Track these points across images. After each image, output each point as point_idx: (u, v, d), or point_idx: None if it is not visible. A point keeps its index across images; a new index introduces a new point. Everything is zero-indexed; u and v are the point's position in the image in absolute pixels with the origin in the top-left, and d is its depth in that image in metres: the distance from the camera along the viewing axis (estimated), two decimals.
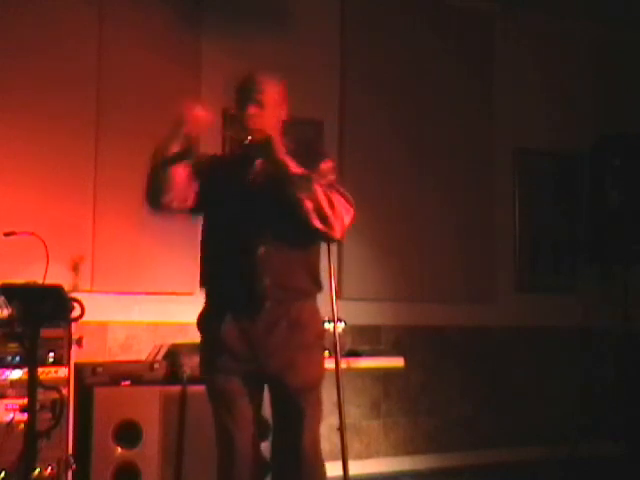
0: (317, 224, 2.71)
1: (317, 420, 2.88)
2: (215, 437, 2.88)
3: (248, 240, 2.76)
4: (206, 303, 2.90)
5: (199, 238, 2.93)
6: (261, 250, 2.75)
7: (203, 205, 2.87)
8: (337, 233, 2.75)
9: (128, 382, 3.94)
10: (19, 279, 3.72)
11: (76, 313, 3.70)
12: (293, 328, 2.78)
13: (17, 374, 3.62)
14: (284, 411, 2.83)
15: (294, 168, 2.71)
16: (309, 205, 2.68)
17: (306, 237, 2.81)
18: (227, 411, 2.81)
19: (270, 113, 2.84)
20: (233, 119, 2.93)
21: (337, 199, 2.74)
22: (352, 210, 2.79)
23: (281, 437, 2.86)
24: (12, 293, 3.49)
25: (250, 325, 2.75)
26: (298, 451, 2.81)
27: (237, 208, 2.80)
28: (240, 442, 2.80)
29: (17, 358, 3.63)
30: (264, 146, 2.74)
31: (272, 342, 2.75)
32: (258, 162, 2.86)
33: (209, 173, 2.87)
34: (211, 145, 4.89)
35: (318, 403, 2.88)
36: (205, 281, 2.90)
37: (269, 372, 2.78)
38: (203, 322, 2.90)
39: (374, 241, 5.35)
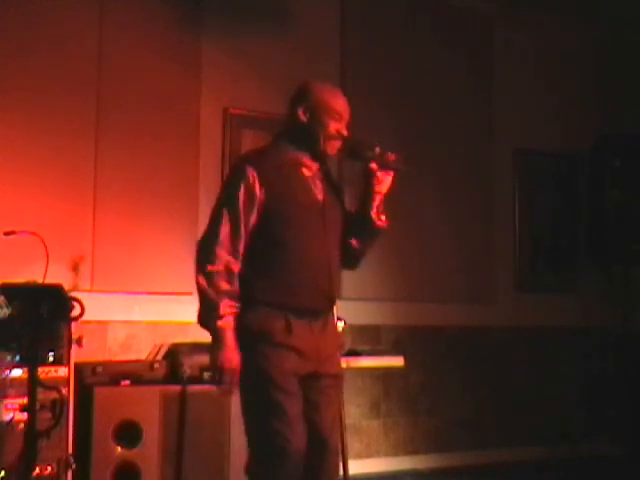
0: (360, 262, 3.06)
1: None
2: (261, 440, 2.76)
3: (321, 252, 2.81)
4: (265, 308, 2.77)
5: (213, 240, 2.77)
6: (331, 266, 2.84)
7: (263, 217, 2.79)
8: None
9: (128, 382, 3.94)
10: (19, 279, 3.72)
11: (76, 313, 3.70)
12: (335, 331, 3.04)
13: (17, 373, 3.61)
14: (326, 408, 2.87)
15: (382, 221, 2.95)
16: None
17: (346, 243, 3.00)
18: (297, 410, 2.73)
19: None
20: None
21: None
22: None
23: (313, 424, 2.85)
24: (12, 293, 3.49)
25: (309, 329, 2.79)
26: (332, 444, 2.88)
27: (312, 220, 2.83)
28: (300, 443, 2.75)
29: (17, 358, 3.62)
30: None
31: (327, 345, 2.86)
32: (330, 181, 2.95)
33: (275, 180, 2.80)
34: (211, 144, 4.92)
35: None
36: (261, 289, 2.79)
37: (321, 376, 2.84)
38: (267, 325, 2.76)
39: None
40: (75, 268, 4.41)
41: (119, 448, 3.82)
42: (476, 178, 5.80)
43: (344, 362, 4.32)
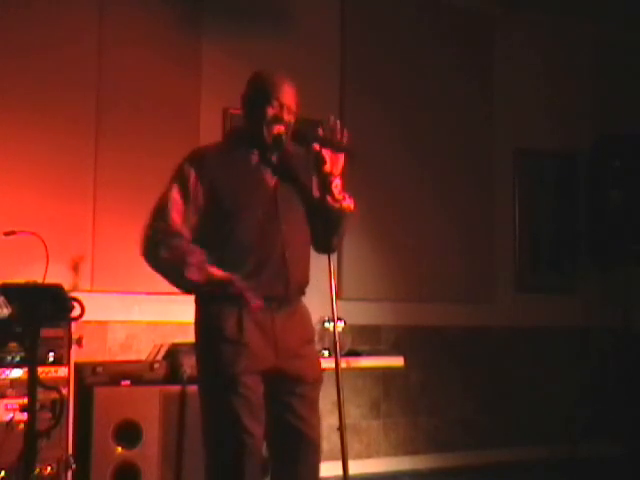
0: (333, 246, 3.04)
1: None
2: (218, 436, 2.79)
3: (275, 242, 2.80)
4: (218, 303, 2.80)
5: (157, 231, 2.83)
6: (289, 251, 2.81)
7: (216, 209, 2.82)
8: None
9: (128, 382, 3.94)
10: (19, 279, 3.71)
11: (76, 313, 3.70)
12: (303, 324, 2.91)
13: (17, 373, 3.62)
14: (298, 405, 2.84)
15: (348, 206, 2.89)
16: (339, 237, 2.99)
17: (310, 236, 2.97)
18: (249, 411, 2.73)
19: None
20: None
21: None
22: None
23: (295, 427, 2.84)
24: (12, 293, 3.49)
25: (270, 324, 2.77)
26: (315, 441, 2.86)
27: (264, 211, 2.81)
28: (257, 442, 2.76)
29: (17, 358, 3.62)
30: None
31: (291, 340, 2.81)
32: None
33: (219, 175, 2.82)
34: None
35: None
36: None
37: (287, 369, 2.81)
38: (219, 322, 2.78)
39: (374, 241, 5.35)
40: (75, 268, 4.42)
41: (119, 448, 3.82)
42: (476, 178, 5.80)
43: (344, 362, 4.34)
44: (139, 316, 4.62)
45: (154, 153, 4.72)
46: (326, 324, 4.52)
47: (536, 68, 6.06)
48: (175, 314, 4.61)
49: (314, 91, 5.13)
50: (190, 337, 4.51)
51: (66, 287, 3.88)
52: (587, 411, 5.64)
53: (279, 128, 2.84)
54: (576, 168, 6.11)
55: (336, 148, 2.88)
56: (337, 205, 2.86)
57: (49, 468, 3.65)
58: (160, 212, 2.83)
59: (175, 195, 2.83)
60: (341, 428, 4.04)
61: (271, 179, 2.87)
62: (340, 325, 4.41)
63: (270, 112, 2.83)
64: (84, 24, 4.63)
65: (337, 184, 2.87)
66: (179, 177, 2.85)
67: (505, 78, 5.96)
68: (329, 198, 2.86)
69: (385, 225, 5.36)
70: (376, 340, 5.33)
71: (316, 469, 2.92)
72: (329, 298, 4.03)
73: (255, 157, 2.88)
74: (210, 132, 4.92)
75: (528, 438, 5.67)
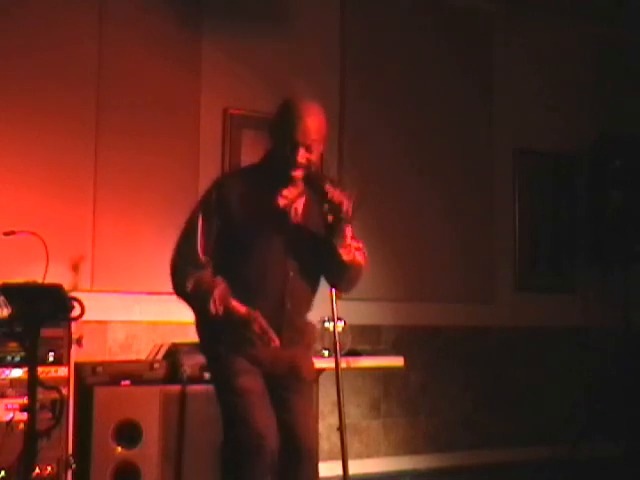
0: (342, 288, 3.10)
1: None
2: (232, 436, 2.85)
3: (278, 265, 2.84)
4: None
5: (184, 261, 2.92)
6: (290, 275, 2.85)
7: (230, 232, 2.86)
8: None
9: (128, 382, 3.94)
10: (19, 279, 3.72)
11: (76, 312, 3.70)
12: (303, 349, 3.00)
13: (17, 373, 3.62)
14: (294, 403, 2.91)
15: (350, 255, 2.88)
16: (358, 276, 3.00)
17: (322, 272, 3.02)
18: (258, 412, 2.79)
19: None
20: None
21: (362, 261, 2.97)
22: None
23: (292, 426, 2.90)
24: (12, 293, 3.50)
25: (265, 348, 2.81)
26: (309, 439, 2.94)
27: (271, 235, 2.84)
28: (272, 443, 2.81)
29: (17, 357, 3.63)
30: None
31: (285, 356, 2.89)
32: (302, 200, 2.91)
33: (237, 205, 2.85)
34: (211, 144, 4.92)
35: None
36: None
37: (280, 372, 2.89)
38: (220, 338, 2.88)
39: (374, 241, 5.34)
40: (75, 268, 4.41)
41: (119, 448, 3.82)
42: (476, 178, 5.80)
43: (344, 362, 4.34)
44: (139, 316, 4.62)
45: (154, 153, 4.73)
46: (326, 324, 4.51)
47: (536, 68, 6.06)
48: (175, 314, 4.57)
49: (314, 91, 5.14)
50: (190, 337, 4.55)
51: (66, 287, 3.89)
52: (587, 411, 5.64)
53: (300, 172, 2.83)
54: (576, 168, 6.11)
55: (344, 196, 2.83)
56: (348, 258, 2.87)
57: (49, 468, 3.65)
58: (187, 241, 2.89)
59: (200, 222, 2.87)
60: (341, 428, 4.05)
61: (296, 216, 2.89)
62: (340, 325, 4.40)
63: (293, 156, 2.80)
64: (84, 24, 4.63)
65: (349, 233, 2.86)
66: (204, 203, 2.89)
67: (505, 78, 5.96)
68: (340, 246, 2.86)
69: (385, 225, 5.36)
70: (376, 340, 5.33)
71: (313, 470, 2.96)
72: (329, 298, 4.03)
73: (282, 191, 2.88)
74: (210, 132, 4.93)
75: (528, 438, 5.66)
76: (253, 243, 2.82)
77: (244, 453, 2.77)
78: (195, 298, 2.84)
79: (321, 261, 2.93)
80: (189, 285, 2.83)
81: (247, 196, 2.85)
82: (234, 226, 2.82)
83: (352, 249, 2.87)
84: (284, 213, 2.88)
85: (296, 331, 2.94)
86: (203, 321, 2.92)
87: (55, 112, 4.49)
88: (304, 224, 2.90)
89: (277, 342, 2.74)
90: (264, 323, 2.74)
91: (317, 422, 3.06)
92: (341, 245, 2.85)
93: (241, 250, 2.83)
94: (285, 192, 2.87)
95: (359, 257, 2.92)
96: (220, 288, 2.79)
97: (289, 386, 2.92)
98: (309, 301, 3.01)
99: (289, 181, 2.86)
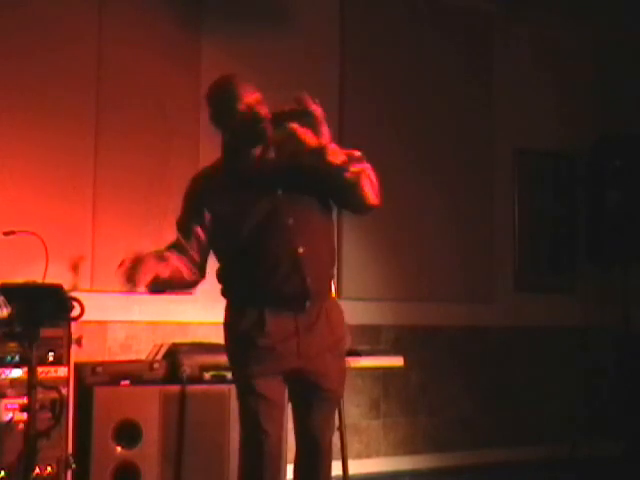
0: (372, 200, 2.79)
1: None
2: (243, 437, 2.86)
3: (283, 240, 2.78)
4: (240, 306, 2.84)
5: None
6: (300, 250, 2.77)
7: (222, 230, 2.84)
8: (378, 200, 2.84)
9: (128, 382, 3.94)
10: (19, 279, 3.72)
11: (76, 312, 3.71)
12: (329, 327, 2.85)
13: (17, 373, 3.61)
14: (314, 408, 2.88)
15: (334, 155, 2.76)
16: (364, 184, 2.77)
17: (331, 228, 2.96)
18: (266, 413, 2.78)
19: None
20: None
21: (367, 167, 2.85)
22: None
23: (306, 430, 2.90)
24: (12, 293, 3.50)
25: (292, 324, 2.78)
26: (323, 445, 2.91)
27: (265, 213, 2.80)
28: (274, 442, 2.81)
29: (17, 357, 3.62)
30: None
31: (313, 342, 2.80)
32: (270, 162, 2.87)
33: (214, 199, 2.83)
34: (211, 144, 4.91)
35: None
36: (240, 284, 2.85)
37: (307, 374, 2.82)
38: (239, 324, 2.82)
39: (374, 241, 5.35)
40: (75, 268, 4.41)
41: (119, 448, 3.82)
42: (476, 178, 5.80)
43: None
44: (139, 316, 4.62)
45: (154, 153, 4.73)
46: None
47: (536, 68, 6.06)
48: (175, 314, 4.62)
49: (313, 91, 5.14)
50: (190, 337, 4.56)
51: (66, 287, 3.88)
52: (587, 411, 5.64)
53: (257, 122, 2.81)
54: (576, 168, 6.11)
55: (303, 113, 2.80)
56: (339, 159, 2.75)
57: (49, 468, 3.65)
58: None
59: (182, 217, 2.89)
60: (341, 428, 4.05)
61: (270, 178, 2.83)
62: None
63: (242, 107, 2.83)
64: (84, 24, 4.63)
65: (333, 149, 2.77)
66: (185, 199, 2.90)
67: (505, 78, 5.96)
68: (325, 155, 2.75)
69: (385, 225, 5.36)
70: (376, 340, 5.33)
71: (325, 472, 2.95)
72: None
73: (249, 164, 2.86)
74: (210, 132, 4.90)
75: (528, 438, 5.67)
76: (252, 235, 2.78)
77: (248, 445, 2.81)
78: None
79: (322, 198, 2.85)
80: None
81: (224, 182, 2.84)
82: (227, 220, 2.79)
83: (338, 151, 2.76)
84: (267, 180, 2.81)
85: (320, 285, 2.83)
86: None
87: (55, 112, 4.49)
88: (285, 178, 2.83)
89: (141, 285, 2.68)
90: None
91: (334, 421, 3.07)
92: (325, 152, 2.73)
93: (244, 248, 2.80)
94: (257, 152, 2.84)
95: (353, 160, 2.78)
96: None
97: (311, 394, 2.88)
98: (326, 245, 2.90)
99: (263, 141, 2.82)
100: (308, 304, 2.79)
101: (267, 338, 2.75)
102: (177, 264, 2.77)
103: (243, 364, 2.81)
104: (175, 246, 2.84)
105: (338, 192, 2.82)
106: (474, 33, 5.89)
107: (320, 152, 2.73)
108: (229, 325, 2.87)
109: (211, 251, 2.89)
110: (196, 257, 2.83)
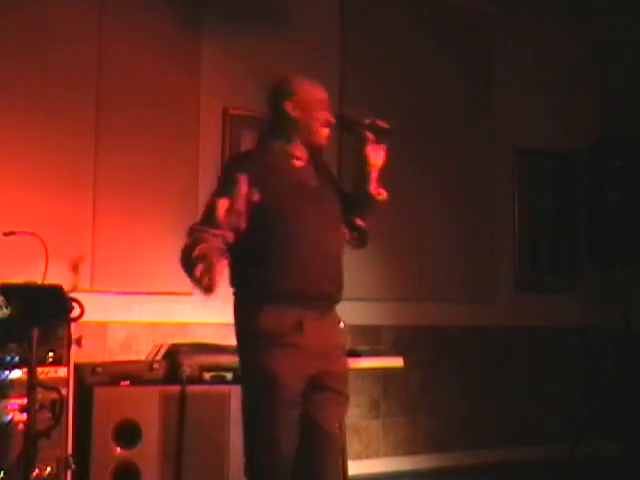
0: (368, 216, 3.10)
1: None
2: (255, 443, 2.79)
3: (322, 237, 2.83)
4: (274, 305, 2.76)
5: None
6: (334, 246, 2.88)
7: (263, 215, 2.79)
8: None
9: (128, 382, 3.94)
10: (19, 279, 3.72)
11: (76, 313, 3.70)
12: (339, 329, 2.96)
13: (17, 374, 3.61)
14: (328, 408, 2.89)
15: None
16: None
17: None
18: (288, 423, 2.74)
19: None
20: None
21: None
22: None
23: (315, 421, 2.87)
24: (12, 293, 3.49)
25: (321, 323, 2.80)
26: (332, 435, 2.92)
27: (308, 209, 2.84)
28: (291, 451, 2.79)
29: (17, 358, 3.62)
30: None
31: (333, 342, 2.86)
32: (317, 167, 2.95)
33: (265, 180, 2.80)
34: (211, 144, 4.91)
35: None
36: (271, 280, 2.78)
37: (332, 370, 2.84)
38: (273, 326, 2.73)
39: (374, 241, 5.32)
40: (75, 268, 4.41)
41: (119, 448, 3.82)
42: (476, 178, 5.81)
43: None
44: (139, 316, 4.62)
45: (154, 153, 4.73)
46: None
47: (536, 68, 6.06)
48: (175, 314, 4.62)
49: None
50: (190, 337, 4.56)
51: (66, 287, 3.88)
52: (587, 411, 5.64)
53: (328, 132, 2.92)
54: (576, 168, 6.11)
55: (384, 134, 3.03)
56: (378, 197, 2.98)
57: (49, 468, 3.64)
58: (205, 215, 2.80)
59: (222, 200, 2.77)
60: (341, 428, 4.04)
61: (313, 180, 2.91)
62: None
63: (323, 116, 2.90)
64: (84, 24, 4.63)
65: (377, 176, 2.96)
66: (231, 183, 2.79)
67: (505, 78, 5.96)
68: (372, 190, 2.96)
69: (385, 225, 5.35)
70: (376, 340, 5.33)
71: (334, 462, 2.95)
72: None
73: (299, 159, 2.91)
74: (210, 132, 4.92)
75: (528, 438, 5.67)
76: (288, 209, 2.79)
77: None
78: (184, 253, 2.66)
79: (346, 214, 2.99)
80: (187, 242, 2.69)
81: (273, 171, 2.84)
82: (267, 198, 2.76)
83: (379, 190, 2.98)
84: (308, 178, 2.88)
85: (340, 288, 2.91)
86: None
87: (55, 112, 4.49)
88: (322, 184, 2.93)
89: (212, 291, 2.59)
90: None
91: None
92: (373, 188, 2.96)
93: (282, 227, 2.78)
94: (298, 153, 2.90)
95: (383, 193, 3.03)
96: (207, 245, 2.62)
97: (325, 390, 2.86)
98: (342, 253, 2.99)
99: (320, 142, 2.92)
100: (336, 298, 2.87)
101: (304, 338, 2.73)
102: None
103: (270, 364, 2.71)
104: (206, 230, 2.73)
105: (360, 208, 3.04)
106: (474, 33, 5.89)
107: (370, 179, 2.94)
108: (261, 325, 2.74)
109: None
110: (230, 237, 2.77)
